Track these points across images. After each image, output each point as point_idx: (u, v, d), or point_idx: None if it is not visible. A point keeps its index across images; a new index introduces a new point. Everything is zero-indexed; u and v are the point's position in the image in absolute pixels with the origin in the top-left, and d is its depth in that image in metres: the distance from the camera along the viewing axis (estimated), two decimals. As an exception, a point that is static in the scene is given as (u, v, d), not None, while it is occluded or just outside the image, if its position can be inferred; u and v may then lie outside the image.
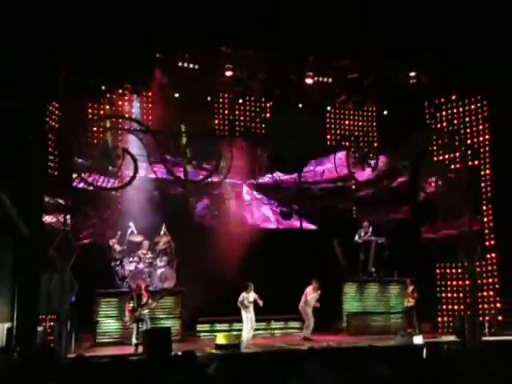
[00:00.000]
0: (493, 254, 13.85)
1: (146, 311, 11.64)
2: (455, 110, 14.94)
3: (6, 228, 10.17)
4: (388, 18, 11.69)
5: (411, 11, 11.67)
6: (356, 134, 17.01)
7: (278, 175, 15.74)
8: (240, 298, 11.94)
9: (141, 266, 13.31)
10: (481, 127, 14.47)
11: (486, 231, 13.91)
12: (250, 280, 12.48)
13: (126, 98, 14.30)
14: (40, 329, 10.72)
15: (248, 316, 12.10)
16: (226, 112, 15.90)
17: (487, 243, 13.80)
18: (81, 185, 11.85)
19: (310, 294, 13.13)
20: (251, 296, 12.09)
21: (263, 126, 16.15)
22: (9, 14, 9.62)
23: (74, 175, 11.85)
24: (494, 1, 11.63)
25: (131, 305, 11.56)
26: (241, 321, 12.91)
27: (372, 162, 13.75)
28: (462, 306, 14.07)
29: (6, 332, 10.24)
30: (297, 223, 15.75)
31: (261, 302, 11.90)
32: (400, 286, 14.44)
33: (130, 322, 11.78)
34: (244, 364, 4.75)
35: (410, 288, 13.56)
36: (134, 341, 11.42)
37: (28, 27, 9.87)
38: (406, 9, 11.64)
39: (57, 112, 12.98)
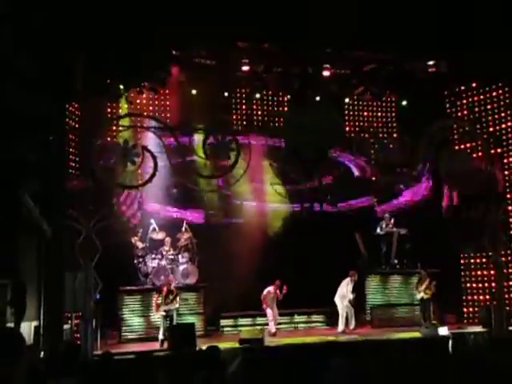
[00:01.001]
0: (518, 243, 13.64)
1: (174, 307, 11.78)
2: (476, 98, 14.72)
3: (30, 228, 10.32)
4: (404, 7, 11.52)
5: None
6: (375, 125, 16.88)
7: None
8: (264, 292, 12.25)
9: (163, 262, 13.41)
10: (503, 114, 14.24)
11: (511, 220, 13.70)
12: (272, 274, 12.55)
13: (144, 96, 14.38)
14: (66, 327, 10.88)
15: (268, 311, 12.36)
16: (244, 107, 15.90)
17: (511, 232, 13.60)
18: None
19: (347, 286, 12.91)
20: (273, 294, 12.33)
21: (281, 120, 16.12)
22: (25, 14, 9.72)
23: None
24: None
25: (160, 299, 11.73)
26: (263, 315, 13.02)
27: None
28: (487, 296, 13.89)
29: (34, 330, 10.42)
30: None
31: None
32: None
33: (155, 314, 12.01)
34: (267, 358, 4.75)
35: (428, 280, 13.24)
36: (160, 336, 11.55)
37: (44, 28, 9.95)
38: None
39: (76, 112, 13.11)
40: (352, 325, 12.93)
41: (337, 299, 12.89)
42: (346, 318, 12.87)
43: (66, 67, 10.83)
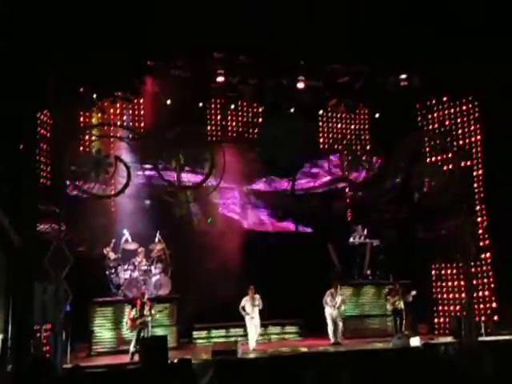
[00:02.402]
0: (487, 254, 13.86)
1: (149, 319, 11.58)
2: (447, 112, 14.99)
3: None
4: (377, 21, 11.72)
5: (400, 13, 11.71)
6: (348, 137, 17.08)
7: (272, 179, 15.86)
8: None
9: (136, 273, 13.26)
10: (472, 128, 14.52)
11: (480, 231, 13.93)
12: (245, 285, 12.48)
13: (118, 105, 14.28)
14: (35, 339, 10.63)
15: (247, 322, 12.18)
16: (218, 118, 15.92)
17: (481, 243, 13.81)
18: (75, 192, 11.76)
19: (333, 297, 12.90)
20: (250, 301, 12.12)
21: (255, 130, 16.19)
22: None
23: (68, 183, 11.75)
24: (484, 4, 11.66)
25: (133, 313, 11.48)
26: (237, 326, 12.94)
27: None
28: (457, 307, 14.07)
29: (1, 343, 10.15)
30: (292, 226, 15.86)
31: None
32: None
33: (130, 330, 11.74)
34: (240, 371, 4.72)
35: (400, 291, 13.26)
36: (131, 349, 11.33)
37: (17, 35, 9.83)
38: (396, 11, 11.68)
39: (48, 121, 12.92)
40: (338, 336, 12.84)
41: (326, 311, 12.84)
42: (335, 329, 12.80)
43: (38, 75, 10.71)
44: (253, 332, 12.27)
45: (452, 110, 14.90)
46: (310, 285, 13.31)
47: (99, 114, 13.62)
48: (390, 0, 11.76)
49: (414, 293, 13.03)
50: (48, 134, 12.91)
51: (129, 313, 11.59)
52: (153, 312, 11.58)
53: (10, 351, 9.97)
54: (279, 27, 11.30)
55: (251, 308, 12.24)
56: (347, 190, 16.73)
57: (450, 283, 14.58)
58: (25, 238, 10.12)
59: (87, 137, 13.60)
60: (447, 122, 14.93)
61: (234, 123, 16.11)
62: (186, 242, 14.17)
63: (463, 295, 13.34)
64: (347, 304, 14.25)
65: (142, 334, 11.39)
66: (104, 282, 13.15)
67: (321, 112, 16.55)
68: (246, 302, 12.30)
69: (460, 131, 14.69)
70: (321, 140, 16.87)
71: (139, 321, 11.41)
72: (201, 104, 14.95)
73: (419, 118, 15.37)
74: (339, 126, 17.19)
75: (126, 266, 13.27)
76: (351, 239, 15.08)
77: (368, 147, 16.72)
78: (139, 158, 11.69)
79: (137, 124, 14.86)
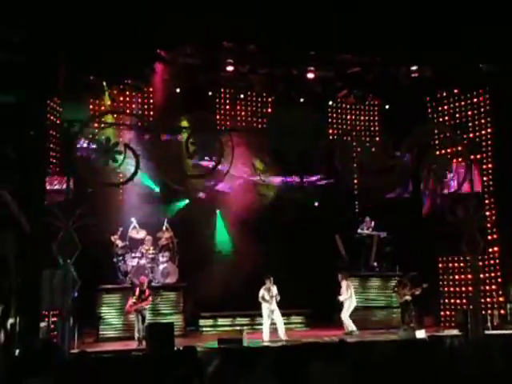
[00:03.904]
0: (495, 248, 13.82)
1: (147, 307, 11.69)
2: (457, 104, 14.86)
3: (8, 224, 10.18)
4: (389, 11, 11.62)
5: (412, 4, 11.61)
6: (358, 128, 16.99)
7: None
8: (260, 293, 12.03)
9: (143, 261, 13.34)
10: (483, 121, 14.40)
11: (489, 225, 13.86)
12: (251, 275, 12.49)
13: (127, 93, 14.28)
14: (43, 324, 10.74)
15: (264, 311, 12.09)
16: (228, 107, 15.89)
17: (489, 237, 13.75)
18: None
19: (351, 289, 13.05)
20: (270, 290, 12.02)
21: (264, 120, 16.14)
22: (8, 10, 9.60)
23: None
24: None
25: (133, 300, 11.60)
26: (244, 316, 12.96)
27: None
28: (464, 300, 14.05)
29: (10, 328, 10.26)
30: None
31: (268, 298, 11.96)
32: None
33: (125, 314, 11.97)
34: (246, 359, 4.75)
35: (409, 283, 13.29)
36: (136, 335, 11.48)
37: (28, 23, 9.84)
38: (407, 2, 11.58)
39: (58, 108, 12.95)
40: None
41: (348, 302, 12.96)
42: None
43: (48, 62, 10.72)
44: (268, 323, 12.08)
45: (463, 103, 14.77)
46: (317, 275, 13.33)
47: (109, 102, 13.63)
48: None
49: (425, 285, 13.00)
50: (58, 121, 12.95)
51: (130, 299, 11.73)
52: (149, 299, 11.68)
53: (19, 336, 10.07)
54: (289, 17, 11.24)
55: (269, 298, 12.07)
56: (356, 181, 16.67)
57: (456, 276, 14.54)
58: (34, 225, 10.18)
59: (96, 124, 13.63)
60: (458, 115, 14.83)
61: (243, 113, 16.08)
62: (195, 230, 14.22)
63: (470, 288, 13.31)
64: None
65: (141, 321, 11.52)
66: (112, 269, 13.24)
67: (330, 103, 16.48)
68: (264, 291, 12.07)
69: (470, 124, 14.58)
70: (330, 131, 16.79)
71: (133, 307, 11.54)
72: (210, 93, 14.94)
73: (430, 110, 15.26)
74: (349, 117, 17.11)
75: (133, 254, 13.35)
76: (359, 230, 15.08)
77: (377, 139, 16.66)
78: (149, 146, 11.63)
79: (146, 112, 14.87)
